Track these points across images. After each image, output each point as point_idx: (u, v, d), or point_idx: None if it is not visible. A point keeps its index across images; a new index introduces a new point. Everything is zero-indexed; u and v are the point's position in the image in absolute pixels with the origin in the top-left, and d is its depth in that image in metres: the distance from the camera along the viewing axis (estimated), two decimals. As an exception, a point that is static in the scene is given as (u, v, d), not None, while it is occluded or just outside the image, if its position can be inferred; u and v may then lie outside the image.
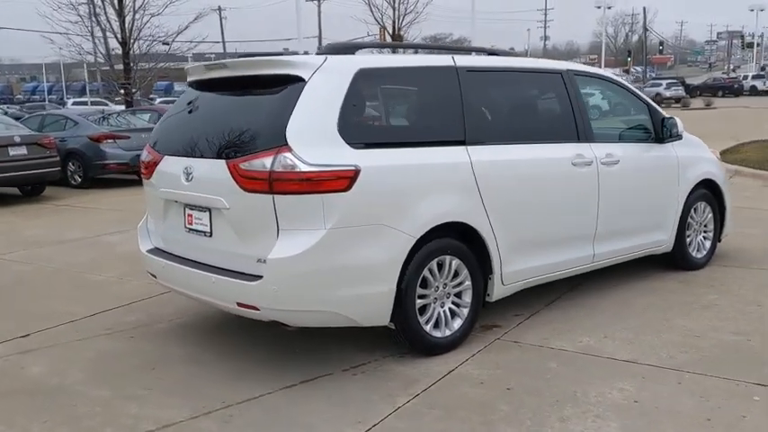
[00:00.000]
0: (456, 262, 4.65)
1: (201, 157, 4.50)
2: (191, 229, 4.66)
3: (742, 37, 77.00)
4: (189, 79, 5.12)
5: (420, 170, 4.49)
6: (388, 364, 4.54)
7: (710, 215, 6.78)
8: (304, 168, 4.01)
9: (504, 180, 4.89)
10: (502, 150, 4.96)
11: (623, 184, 5.76)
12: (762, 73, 60.01)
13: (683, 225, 6.42)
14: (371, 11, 35.57)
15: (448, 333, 4.67)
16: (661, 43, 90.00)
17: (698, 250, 6.69)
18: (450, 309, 4.71)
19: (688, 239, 6.53)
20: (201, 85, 4.95)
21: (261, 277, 4.14)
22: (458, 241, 4.65)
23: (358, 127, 4.28)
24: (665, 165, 6.25)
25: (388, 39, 33.80)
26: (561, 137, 5.46)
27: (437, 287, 4.60)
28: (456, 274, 4.69)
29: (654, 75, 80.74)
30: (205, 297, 4.58)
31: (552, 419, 3.76)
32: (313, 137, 4.12)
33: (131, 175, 14.55)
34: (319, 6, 64.35)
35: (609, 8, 53.15)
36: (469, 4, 35.56)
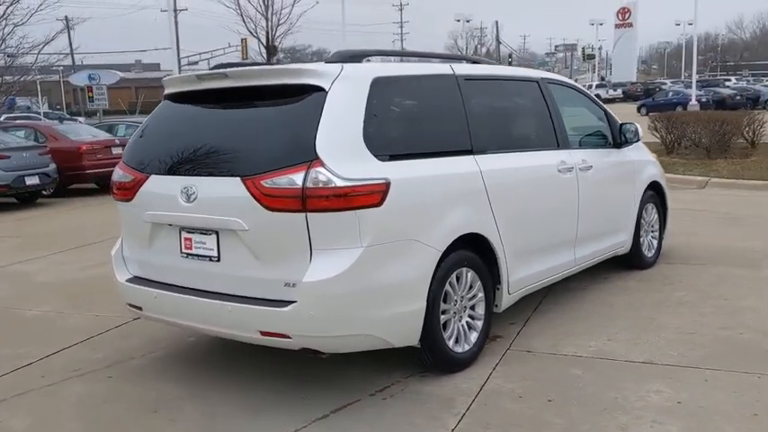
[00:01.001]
0: (471, 274, 4.54)
1: (206, 175, 4.11)
2: (189, 255, 4.25)
3: (583, 49, 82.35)
4: (168, 91, 4.68)
5: (442, 181, 4.36)
6: (413, 385, 4.35)
7: (656, 216, 7.09)
8: (339, 183, 3.75)
9: (507, 188, 4.85)
10: (503, 158, 4.92)
11: (596, 188, 5.90)
12: (604, 82, 64.44)
13: (638, 226, 6.67)
14: (244, 21, 34.78)
15: (467, 348, 4.54)
16: (510, 55, 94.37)
17: (649, 249, 6.97)
18: (466, 322, 4.58)
19: (641, 239, 6.79)
20: (189, 98, 4.54)
21: (291, 302, 3.83)
22: (471, 252, 4.54)
23: (381, 138, 4.07)
24: (624, 169, 6.47)
25: (261, 50, 33.26)
26: (545, 144, 5.51)
27: (455, 301, 4.47)
28: (470, 287, 4.58)
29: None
30: (215, 328, 4.19)
31: (612, 428, 3.72)
32: (342, 150, 3.87)
33: (9, 198, 13.35)
34: (176, 17, 62.33)
35: (468, 21, 55.33)
36: (327, 16, 35.60)
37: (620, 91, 59.51)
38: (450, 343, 4.42)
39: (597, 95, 58.02)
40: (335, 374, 4.54)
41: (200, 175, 4.13)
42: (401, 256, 4.02)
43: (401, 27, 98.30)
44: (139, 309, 4.58)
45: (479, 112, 4.86)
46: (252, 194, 3.87)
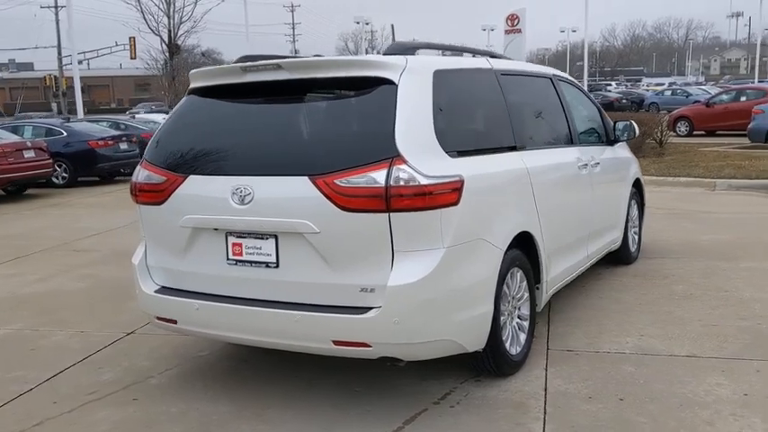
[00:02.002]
0: (520, 274, 4.43)
1: (264, 174, 3.79)
2: (239, 261, 3.91)
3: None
4: (196, 85, 4.30)
5: (501, 178, 4.23)
6: (473, 391, 4.18)
7: (637, 211, 7.24)
8: (423, 181, 3.54)
9: (546, 186, 4.78)
10: (539, 155, 4.84)
11: (601, 185, 5.94)
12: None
13: (626, 222, 6.78)
14: (145, 19, 33.25)
15: (518, 350, 4.43)
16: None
17: (633, 244, 7.11)
18: (516, 323, 4.47)
19: (627, 235, 6.91)
20: (228, 92, 4.17)
21: (369, 309, 3.59)
22: (519, 252, 4.44)
23: (448, 133, 3.88)
24: (619, 166, 6.57)
25: (163, 48, 31.91)
26: (564, 140, 5.49)
27: (509, 302, 4.35)
28: (518, 287, 4.47)
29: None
30: (278, 340, 3.86)
31: (698, 423, 3.69)
32: (419, 146, 3.66)
33: None
34: (57, 14, 59.21)
35: (367, 23, 55.47)
36: (219, 16, 34.69)
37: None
38: (507, 345, 4.29)
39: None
40: (383, 384, 4.30)
41: (256, 175, 3.80)
42: (473, 257, 3.86)
43: (293, 28, 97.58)
44: (173, 322, 4.18)
45: (516, 107, 4.77)
46: (324, 195, 3.59)
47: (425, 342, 3.66)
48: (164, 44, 33.35)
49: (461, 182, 3.72)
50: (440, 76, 3.99)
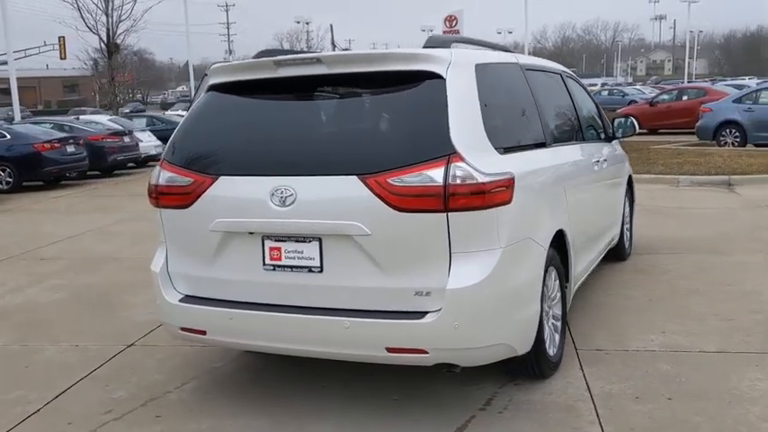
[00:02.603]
0: (554, 272, 4.33)
1: (307, 174, 3.57)
2: (277, 267, 3.68)
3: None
4: (219, 80, 4.04)
5: (542, 175, 4.12)
6: (516, 395, 4.04)
7: (628, 208, 7.26)
8: (481, 179, 3.39)
9: (572, 183, 4.70)
10: (564, 151, 4.76)
11: (608, 181, 5.92)
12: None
13: (623, 218, 6.79)
14: (83, 17, 31.91)
15: (555, 351, 4.32)
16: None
17: (626, 240, 7.13)
18: (552, 324, 4.36)
19: (623, 231, 6.92)
20: (257, 87, 3.92)
21: (425, 313, 3.42)
22: (554, 250, 4.33)
23: (494, 129, 3.73)
24: (618, 162, 6.56)
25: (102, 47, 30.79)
26: (577, 137, 5.42)
27: (545, 301, 4.23)
28: (553, 286, 4.37)
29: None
30: (325, 348, 3.64)
31: (755, 420, 3.65)
32: (473, 142, 3.51)
33: None
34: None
35: (307, 23, 55.00)
36: (153, 16, 33.78)
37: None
38: (547, 346, 4.18)
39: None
40: (420, 391, 4.13)
41: (298, 175, 3.57)
42: (524, 257, 3.73)
43: (228, 28, 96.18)
44: (201, 333, 3.91)
45: (542, 103, 4.66)
46: (376, 195, 3.40)
47: (484, 347, 3.51)
48: (102, 43, 32.18)
49: (513, 179, 3.59)
50: (480, 70, 3.85)
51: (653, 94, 29.18)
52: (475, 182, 3.35)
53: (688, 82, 49.49)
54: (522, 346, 3.78)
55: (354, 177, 3.44)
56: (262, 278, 3.72)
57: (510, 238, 3.55)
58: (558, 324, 4.43)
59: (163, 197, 3.94)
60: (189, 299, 3.95)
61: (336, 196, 3.49)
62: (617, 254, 6.84)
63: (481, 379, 4.21)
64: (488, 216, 3.43)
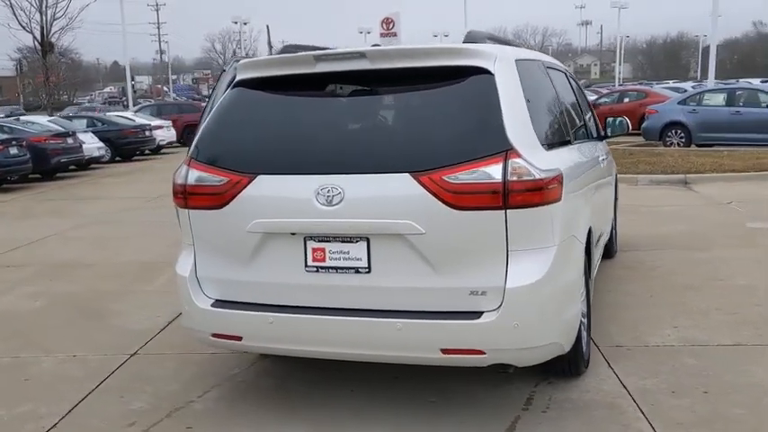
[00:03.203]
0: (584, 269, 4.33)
1: (355, 172, 3.45)
2: (321, 268, 3.55)
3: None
4: (250, 75, 3.87)
5: (579, 171, 4.11)
6: (554, 394, 4.01)
7: (613, 206, 7.37)
8: (538, 175, 3.34)
9: (594, 180, 4.72)
10: (582, 149, 4.77)
11: (606, 179, 5.98)
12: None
13: (613, 216, 6.89)
14: (15, 14, 30.47)
15: (586, 347, 4.31)
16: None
17: (615, 237, 7.23)
18: (581, 320, 4.36)
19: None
20: (293, 83, 3.77)
21: (481, 313, 3.35)
22: None
23: (538, 125, 3.70)
24: (610, 161, 6.64)
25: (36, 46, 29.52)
26: (584, 135, 5.45)
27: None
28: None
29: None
30: (376, 351, 3.53)
31: (795, 411, 3.74)
32: (524, 138, 3.46)
33: None
34: None
35: (245, 23, 54.16)
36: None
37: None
38: (583, 343, 4.17)
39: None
40: (456, 392, 4.07)
41: (345, 173, 3.46)
42: (571, 254, 3.72)
43: (158, 27, 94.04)
44: (236, 339, 3.74)
45: (563, 101, 4.67)
46: (431, 192, 3.32)
47: (540, 346, 3.47)
48: (36, 42, 30.87)
49: (562, 175, 3.56)
50: (519, 66, 3.80)
51: (593, 97, 29.90)
52: (533, 178, 3.31)
53: (619, 85, 50.83)
54: (568, 343, 3.75)
55: (407, 175, 3.35)
56: (303, 280, 3.59)
57: (561, 236, 3.52)
58: (585, 321, 4.43)
59: (192, 197, 3.76)
60: (221, 303, 3.78)
61: (387, 194, 3.39)
62: (606, 251, 6.92)
63: (514, 379, 4.17)
64: (544, 213, 3.39)
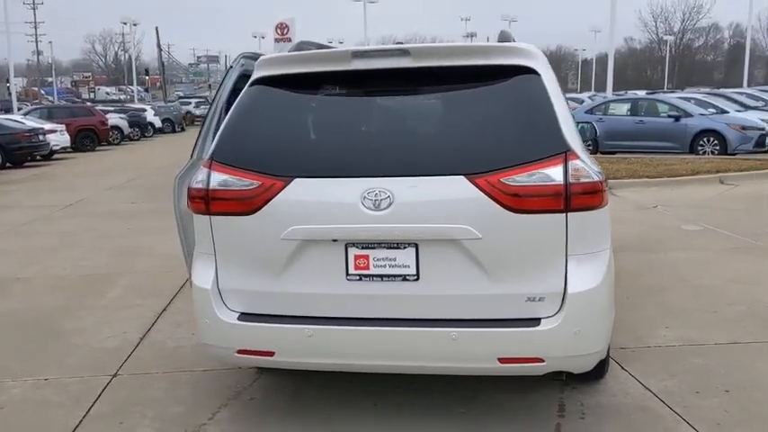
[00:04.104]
0: None
1: (404, 175, 3.26)
2: (364, 276, 3.33)
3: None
4: (274, 72, 3.59)
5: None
6: (584, 399, 3.96)
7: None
8: (595, 177, 3.28)
9: None
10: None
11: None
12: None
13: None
14: None
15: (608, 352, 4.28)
16: (162, 64, 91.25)
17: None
18: (603, 325, 4.32)
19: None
20: (324, 80, 3.53)
21: (539, 320, 3.24)
22: None
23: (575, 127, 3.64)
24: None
25: None
26: None
27: None
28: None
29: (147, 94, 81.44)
30: (425, 363, 3.33)
31: (818, 406, 3.84)
32: (575, 140, 3.38)
33: None
34: None
35: (135, 24, 52.01)
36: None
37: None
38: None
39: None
40: (483, 403, 3.95)
41: (394, 176, 3.26)
42: (612, 258, 3.66)
43: (35, 27, 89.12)
44: (267, 355, 3.45)
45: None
46: (489, 195, 3.17)
47: (595, 352, 3.37)
48: None
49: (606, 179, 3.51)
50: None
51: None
52: (591, 180, 3.24)
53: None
54: (607, 348, 3.71)
55: (461, 177, 3.20)
56: (344, 290, 3.36)
57: (609, 239, 3.47)
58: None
59: (215, 203, 3.45)
60: (249, 317, 3.48)
61: (441, 198, 3.22)
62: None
63: (539, 386, 4.09)
64: (599, 216, 3.32)
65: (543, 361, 3.25)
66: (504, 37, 3.81)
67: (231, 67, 4.30)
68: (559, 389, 4.08)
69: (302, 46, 3.88)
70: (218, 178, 3.45)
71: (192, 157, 4.03)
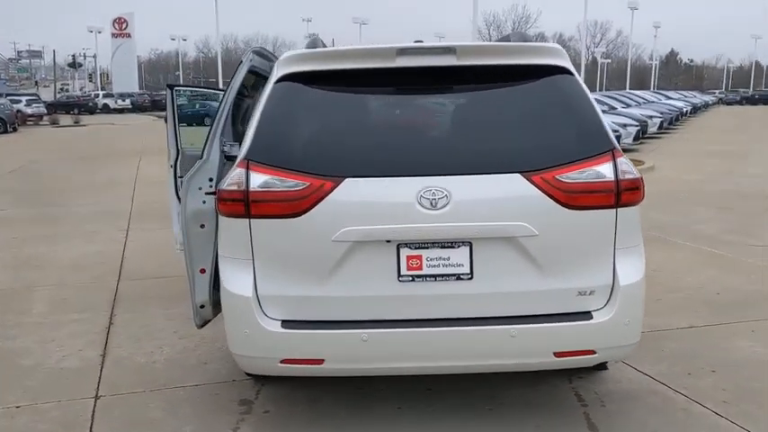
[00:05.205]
0: None
1: (463, 173, 3.23)
2: (416, 277, 3.27)
3: (74, 57, 78.20)
4: (313, 68, 3.42)
5: None
6: (594, 387, 4.13)
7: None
8: (637, 174, 3.42)
9: None
10: None
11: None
12: (111, 92, 62.17)
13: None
14: None
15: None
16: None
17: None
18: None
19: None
20: (365, 77, 3.41)
21: (590, 313, 3.34)
22: None
23: None
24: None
25: None
26: None
27: None
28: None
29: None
30: (483, 362, 3.31)
31: (797, 379, 4.23)
32: (614, 138, 3.51)
33: None
34: None
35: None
36: None
37: (128, 101, 58.33)
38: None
39: (105, 105, 56.61)
40: (505, 398, 4.01)
41: (451, 174, 3.23)
42: None
43: None
44: (316, 363, 3.29)
45: None
46: (545, 192, 3.23)
47: (637, 341, 3.50)
48: None
49: None
50: None
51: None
52: (635, 176, 3.37)
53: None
54: None
55: (518, 175, 3.23)
56: (397, 291, 3.28)
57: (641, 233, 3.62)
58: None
59: (258, 205, 3.25)
60: (294, 324, 3.31)
61: (498, 196, 3.23)
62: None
63: (546, 377, 4.20)
64: (638, 210, 3.46)
65: (595, 353, 3.35)
66: (523, 37, 3.87)
67: (241, 62, 4.06)
68: (567, 379, 4.21)
69: (317, 43, 3.74)
70: (258, 179, 3.25)
71: (201, 157, 3.76)
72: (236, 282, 3.33)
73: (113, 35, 67.56)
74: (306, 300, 3.31)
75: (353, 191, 3.21)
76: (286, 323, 3.31)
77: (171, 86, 5.96)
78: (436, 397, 3.99)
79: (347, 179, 3.22)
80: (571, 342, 3.32)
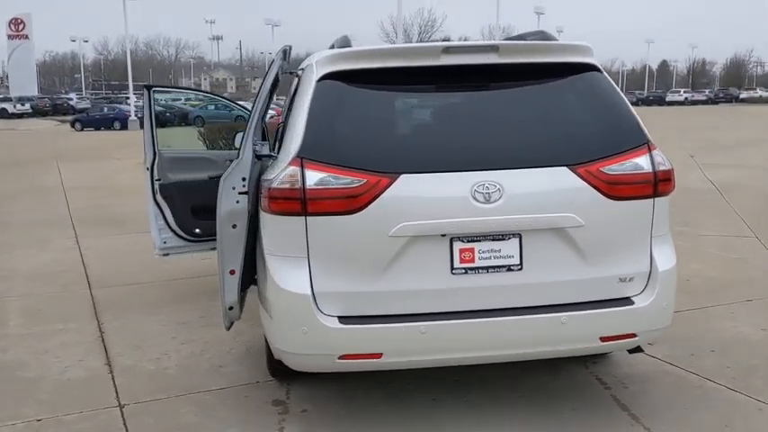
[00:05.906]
0: None
1: (514, 167, 3.35)
2: (469, 269, 3.36)
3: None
4: (358, 66, 3.45)
5: None
6: (613, 370, 4.33)
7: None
8: (669, 166, 3.62)
9: None
10: None
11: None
12: (9, 96, 59.14)
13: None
14: None
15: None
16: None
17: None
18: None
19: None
20: (413, 75, 3.47)
21: (629, 298, 3.52)
22: None
23: None
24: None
25: None
26: None
27: None
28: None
29: None
30: (535, 349, 3.43)
31: (789, 355, 4.56)
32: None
33: None
34: None
35: None
36: None
37: (28, 105, 55.67)
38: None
39: (4, 109, 53.83)
40: (530, 385, 4.15)
41: (504, 169, 3.33)
42: None
43: None
44: (374, 357, 3.33)
45: None
46: (591, 184, 3.39)
47: (670, 323, 3.70)
48: None
49: None
50: None
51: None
52: (667, 168, 3.57)
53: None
54: None
55: (564, 168, 3.37)
56: (450, 284, 3.36)
57: None
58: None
59: (315, 203, 3.26)
60: (351, 320, 3.33)
61: (548, 189, 3.37)
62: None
63: (561, 364, 4.34)
64: (668, 201, 3.67)
65: (636, 336, 3.53)
66: (545, 36, 4.02)
67: (273, 60, 4.04)
68: (583, 366, 4.39)
69: (347, 41, 3.77)
70: (315, 177, 3.26)
71: (237, 156, 3.72)
72: (290, 280, 3.33)
73: (9, 37, 64.22)
74: (362, 295, 3.34)
75: (409, 187, 3.27)
76: (344, 319, 3.33)
77: (149, 87, 5.84)
78: (462, 388, 4.07)
79: (403, 175, 3.27)
80: (615, 327, 3.48)
